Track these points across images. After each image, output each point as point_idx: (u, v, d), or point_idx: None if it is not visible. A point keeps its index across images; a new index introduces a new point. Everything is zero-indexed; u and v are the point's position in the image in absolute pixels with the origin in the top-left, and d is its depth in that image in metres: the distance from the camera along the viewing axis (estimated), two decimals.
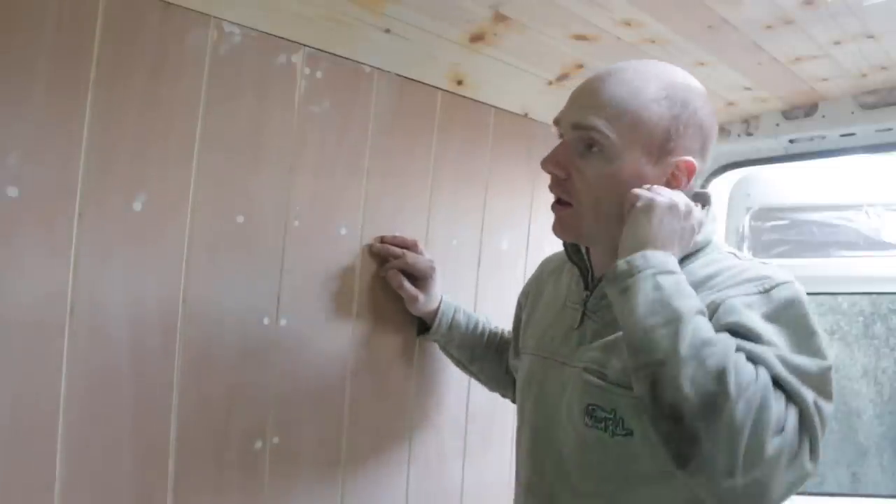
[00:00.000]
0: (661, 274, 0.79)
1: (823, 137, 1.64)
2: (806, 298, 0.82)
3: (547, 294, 1.10)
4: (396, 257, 1.18)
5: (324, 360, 1.14)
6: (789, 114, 1.64)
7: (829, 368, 0.79)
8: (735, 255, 0.93)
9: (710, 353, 0.73)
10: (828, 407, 0.78)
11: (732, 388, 0.71)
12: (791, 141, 1.70)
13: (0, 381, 0.78)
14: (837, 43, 1.21)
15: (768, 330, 0.78)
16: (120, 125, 0.87)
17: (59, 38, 0.81)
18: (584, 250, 1.00)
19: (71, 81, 0.82)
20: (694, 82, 0.92)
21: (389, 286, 1.19)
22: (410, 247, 1.21)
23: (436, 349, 1.28)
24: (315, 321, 1.12)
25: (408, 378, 1.28)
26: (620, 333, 0.85)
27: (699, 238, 0.91)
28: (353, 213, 1.16)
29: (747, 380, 0.72)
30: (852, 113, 1.52)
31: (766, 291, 0.81)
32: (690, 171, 0.90)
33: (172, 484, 0.94)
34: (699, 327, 0.75)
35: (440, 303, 1.22)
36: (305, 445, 1.11)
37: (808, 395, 0.75)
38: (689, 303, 0.78)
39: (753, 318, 0.79)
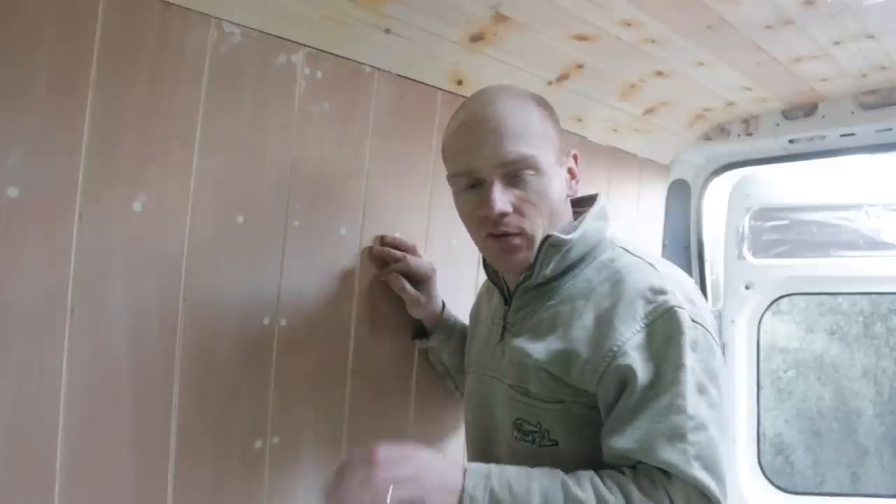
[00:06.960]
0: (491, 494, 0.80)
1: (823, 137, 1.65)
2: (686, 321, 0.85)
3: (483, 312, 1.16)
4: (397, 260, 1.18)
5: (324, 360, 1.14)
6: (789, 114, 1.64)
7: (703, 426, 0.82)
8: (626, 249, 0.98)
9: None
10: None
11: None
12: (791, 141, 1.71)
13: (0, 381, 0.78)
14: (837, 43, 1.22)
15: (648, 371, 0.83)
16: (120, 125, 0.87)
17: (59, 38, 0.81)
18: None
19: (71, 81, 0.82)
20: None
21: (389, 286, 1.19)
22: (409, 250, 1.21)
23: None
24: (315, 321, 1.12)
25: (408, 378, 1.28)
26: (530, 349, 0.92)
27: (590, 239, 0.96)
28: (353, 213, 1.16)
29: None
30: (852, 113, 1.52)
31: (650, 325, 0.85)
32: (577, 160, 1.01)
33: (172, 484, 0.94)
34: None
35: (443, 308, 1.23)
36: (305, 445, 1.11)
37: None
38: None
39: (639, 364, 0.83)
